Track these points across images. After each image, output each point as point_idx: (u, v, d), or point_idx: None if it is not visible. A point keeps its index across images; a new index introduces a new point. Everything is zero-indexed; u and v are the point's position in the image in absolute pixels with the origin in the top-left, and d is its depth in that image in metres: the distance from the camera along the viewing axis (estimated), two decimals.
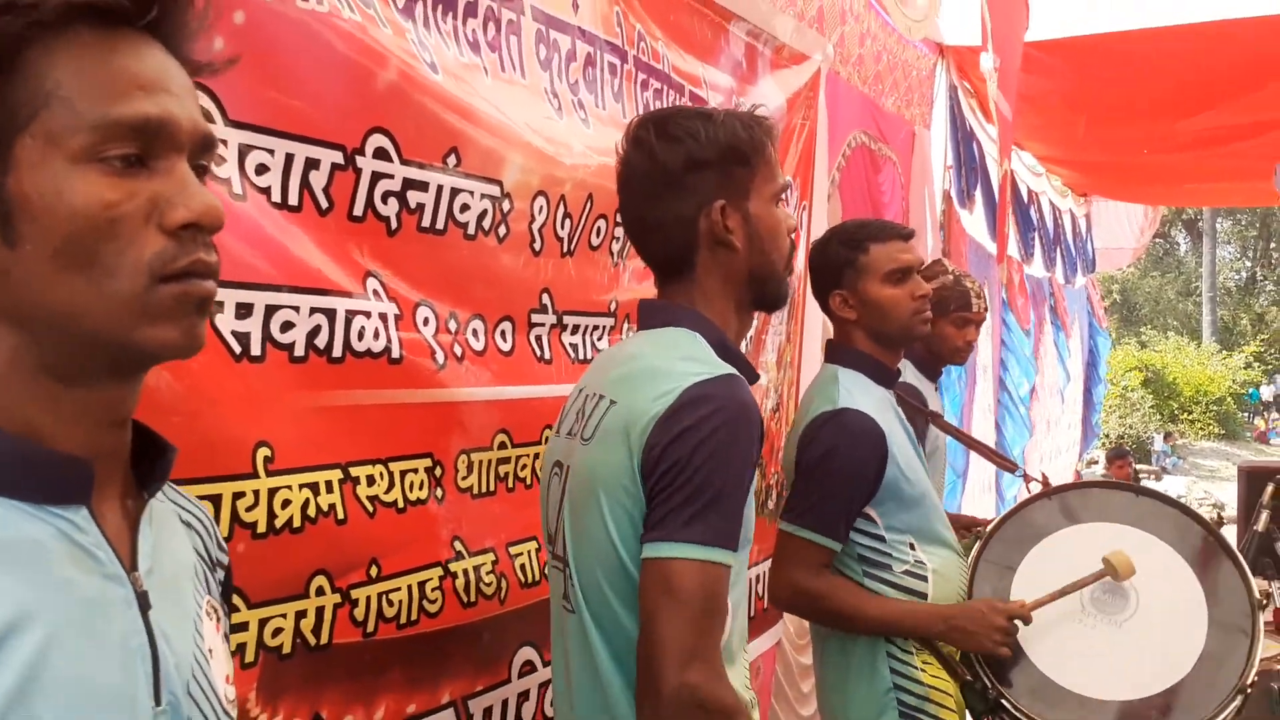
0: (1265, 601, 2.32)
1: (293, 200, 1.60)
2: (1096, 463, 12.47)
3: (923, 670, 2.23)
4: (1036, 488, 2.64)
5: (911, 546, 2.24)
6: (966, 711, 2.29)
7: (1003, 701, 2.18)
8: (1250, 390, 29.32)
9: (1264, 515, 3.10)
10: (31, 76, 0.78)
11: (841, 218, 3.67)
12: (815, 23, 3.54)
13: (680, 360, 1.52)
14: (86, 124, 0.78)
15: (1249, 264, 36.91)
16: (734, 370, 1.51)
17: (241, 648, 1.52)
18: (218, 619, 0.98)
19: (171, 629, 0.86)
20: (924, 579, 2.24)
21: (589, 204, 2.21)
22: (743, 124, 1.61)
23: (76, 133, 0.78)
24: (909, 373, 3.36)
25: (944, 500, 4.69)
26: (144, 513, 0.88)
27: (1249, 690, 2.14)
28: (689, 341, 1.56)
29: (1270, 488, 3.26)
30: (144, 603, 0.84)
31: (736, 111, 1.64)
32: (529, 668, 2.11)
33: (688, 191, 1.58)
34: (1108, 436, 20.54)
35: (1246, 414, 29.53)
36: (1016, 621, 2.18)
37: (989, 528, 2.48)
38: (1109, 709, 2.15)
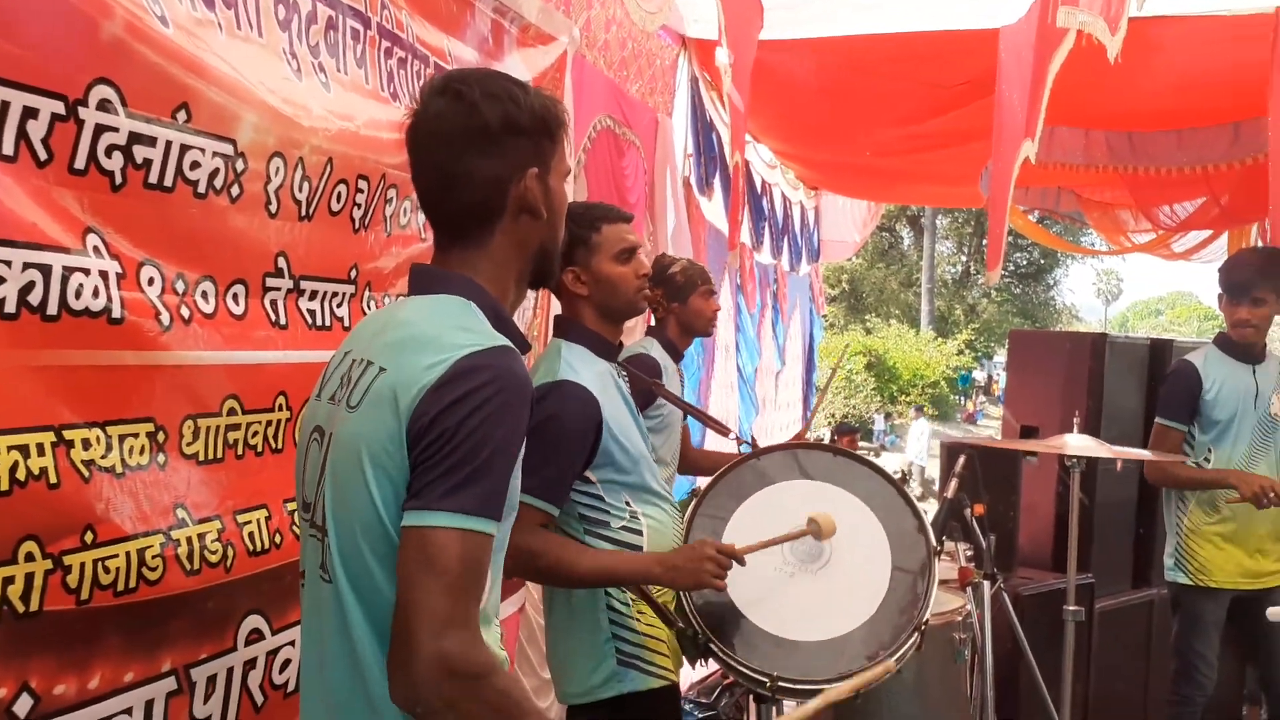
0: (941, 551, 2.60)
1: (7, 150, 1.53)
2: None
3: (638, 619, 2.40)
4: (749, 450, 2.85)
5: (628, 504, 2.40)
6: (683, 656, 2.46)
7: (710, 646, 2.37)
8: (961, 374, 31.94)
9: (954, 483, 3.43)
10: None
11: (587, 200, 3.77)
12: (562, 5, 3.61)
13: (454, 329, 1.50)
14: None
15: (964, 258, 39.97)
16: (507, 341, 1.51)
17: None
18: None
19: None
20: (639, 533, 2.40)
21: (329, 168, 2.19)
22: (549, 99, 1.65)
23: None
24: (655, 351, 3.61)
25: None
26: None
27: (923, 627, 2.40)
28: (463, 310, 1.55)
29: (962, 459, 3.62)
30: None
31: (537, 88, 1.66)
32: (256, 636, 2.09)
33: (507, 153, 1.58)
34: (832, 416, 21.84)
35: (958, 396, 32.15)
36: (732, 561, 2.33)
37: (704, 487, 2.67)
38: (802, 649, 2.37)
